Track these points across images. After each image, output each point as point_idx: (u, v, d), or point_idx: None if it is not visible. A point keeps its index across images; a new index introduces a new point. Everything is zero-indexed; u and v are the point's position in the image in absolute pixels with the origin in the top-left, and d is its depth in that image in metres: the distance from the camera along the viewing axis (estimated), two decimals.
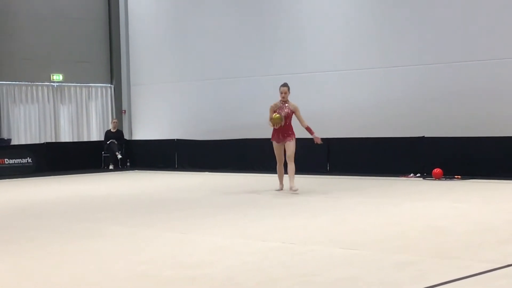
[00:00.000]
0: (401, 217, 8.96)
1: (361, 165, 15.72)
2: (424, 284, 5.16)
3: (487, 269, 5.63)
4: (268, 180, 15.16)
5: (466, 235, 7.44)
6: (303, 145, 16.90)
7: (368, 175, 15.12)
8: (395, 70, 16.13)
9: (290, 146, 12.27)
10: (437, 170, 14.04)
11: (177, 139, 19.72)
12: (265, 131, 17.86)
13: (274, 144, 12.54)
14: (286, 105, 12.32)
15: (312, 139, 12.57)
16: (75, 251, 7.10)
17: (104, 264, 6.37)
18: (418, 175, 14.60)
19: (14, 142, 19.36)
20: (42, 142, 19.71)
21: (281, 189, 12.54)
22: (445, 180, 13.83)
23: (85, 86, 21.06)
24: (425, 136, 15.10)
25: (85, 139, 20.94)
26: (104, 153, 19.99)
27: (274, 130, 12.38)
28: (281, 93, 12.37)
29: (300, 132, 12.81)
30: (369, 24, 16.58)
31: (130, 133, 21.58)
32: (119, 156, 19.73)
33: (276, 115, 12.19)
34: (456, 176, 13.98)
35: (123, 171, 19.25)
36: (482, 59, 14.89)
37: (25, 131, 19.87)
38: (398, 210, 9.65)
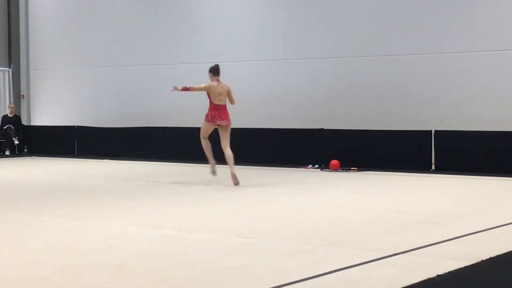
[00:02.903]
0: (296, 207, 9.15)
1: (261, 156, 15.88)
2: (315, 272, 5.28)
3: (375, 257, 5.81)
4: (168, 168, 15.14)
5: (357, 225, 7.67)
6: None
7: (268, 165, 15.31)
8: (296, 62, 16.38)
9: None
10: (334, 162, 14.38)
11: (77, 126, 19.37)
12: (168, 120, 17.86)
13: None
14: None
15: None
16: None
17: None
18: (316, 166, 14.91)
19: None
20: None
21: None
22: (342, 171, 14.18)
23: None
24: (324, 128, 15.43)
25: None
26: (0, 139, 19.42)
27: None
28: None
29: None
30: (273, 16, 16.76)
31: (29, 118, 21.04)
32: (16, 142, 19.24)
33: None
34: (352, 168, 14.36)
35: (20, 157, 18.77)
36: (382, 54, 15.34)
37: None
38: (294, 200, 9.84)
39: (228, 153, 11.63)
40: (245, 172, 14.29)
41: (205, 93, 11.91)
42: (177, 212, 8.65)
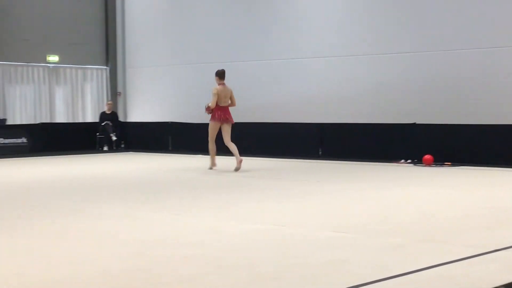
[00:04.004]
0: (390, 202, 9.09)
1: (352, 151, 15.87)
2: (413, 267, 5.25)
3: (474, 253, 5.72)
4: (260, 162, 15.30)
5: (454, 220, 7.57)
6: (296, 130, 17.10)
7: (360, 160, 15.28)
8: (388, 57, 16.24)
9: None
10: (427, 157, 14.20)
11: (171, 122, 19.80)
12: (258, 115, 18.05)
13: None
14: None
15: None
16: (69, 230, 7.18)
17: (93, 243, 6.45)
18: (409, 161, 14.76)
19: (10, 122, 19.42)
20: (37, 122, 19.80)
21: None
22: (435, 166, 13.99)
23: (81, 68, 21.10)
24: (417, 122, 15.25)
25: (80, 120, 21.01)
26: (98, 135, 20.06)
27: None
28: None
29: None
30: (363, 11, 16.66)
31: (125, 115, 21.66)
32: (114, 138, 19.81)
33: None
34: (446, 163, 14.14)
35: (118, 153, 19.32)
36: (474, 48, 15.02)
37: (21, 111, 19.92)
38: (388, 195, 9.78)
39: (232, 145, 13.37)
40: (337, 167, 14.32)
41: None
42: (270, 206, 8.73)
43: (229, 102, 13.55)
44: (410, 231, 6.94)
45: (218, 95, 13.36)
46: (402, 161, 14.84)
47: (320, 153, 16.55)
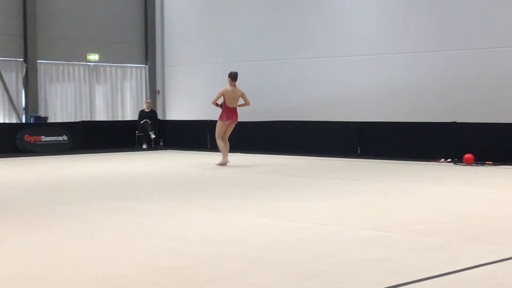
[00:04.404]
0: (431, 201, 9.03)
1: (392, 149, 15.77)
2: (454, 268, 5.22)
3: None
4: (299, 161, 15.30)
5: (495, 220, 7.49)
6: (334, 128, 17.05)
7: (399, 159, 15.18)
8: (428, 55, 16.10)
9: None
10: (468, 156, 14.05)
11: (209, 120, 19.88)
12: (297, 114, 18.04)
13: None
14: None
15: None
16: (106, 227, 7.26)
17: (135, 240, 6.51)
18: (449, 160, 14.62)
19: (51, 120, 19.72)
20: (78, 120, 20.07)
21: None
22: (476, 165, 13.84)
23: (120, 67, 21.33)
24: (457, 121, 15.10)
25: (120, 119, 21.23)
26: (138, 133, 20.24)
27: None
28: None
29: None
30: (403, 9, 16.54)
31: (164, 113, 21.82)
32: (153, 136, 19.97)
33: None
34: (487, 162, 13.97)
35: (156, 151, 19.47)
36: None
37: (62, 110, 20.23)
38: (428, 194, 9.71)
39: (227, 144, 14.26)
40: (376, 165, 14.25)
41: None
42: (311, 205, 8.73)
43: (237, 103, 14.14)
44: (452, 230, 6.89)
45: (224, 95, 14.09)
46: (442, 160, 14.71)
47: (359, 151, 16.49)
